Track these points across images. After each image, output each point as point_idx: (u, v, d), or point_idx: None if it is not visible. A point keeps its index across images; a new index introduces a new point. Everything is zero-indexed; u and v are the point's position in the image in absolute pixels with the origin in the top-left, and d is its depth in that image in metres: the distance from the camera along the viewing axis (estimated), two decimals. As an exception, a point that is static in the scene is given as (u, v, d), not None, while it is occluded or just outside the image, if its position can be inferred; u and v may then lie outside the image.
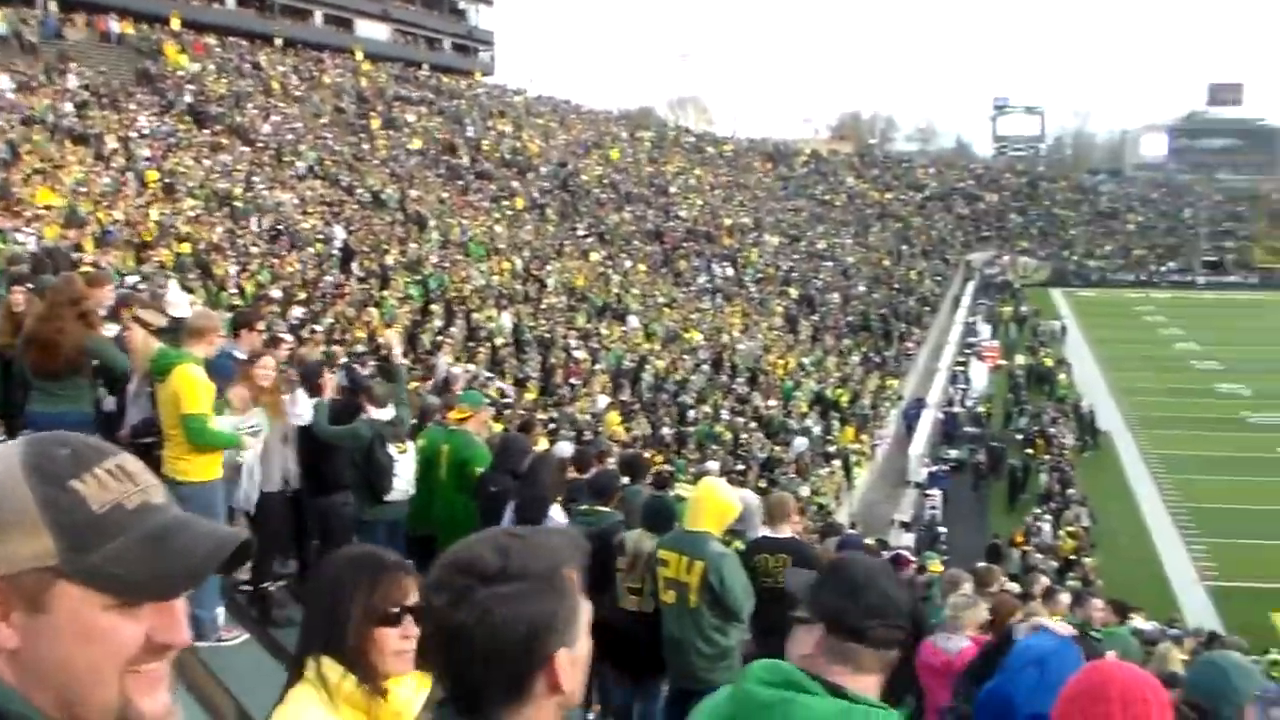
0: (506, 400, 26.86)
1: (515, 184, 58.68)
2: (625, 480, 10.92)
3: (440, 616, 1.90)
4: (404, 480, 10.22)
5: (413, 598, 3.00)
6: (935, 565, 18.95)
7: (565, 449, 14.79)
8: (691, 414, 34.44)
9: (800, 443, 35.40)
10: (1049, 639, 4.51)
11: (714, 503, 7.98)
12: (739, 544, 8.96)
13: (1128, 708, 3.01)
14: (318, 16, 70.50)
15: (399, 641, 3.01)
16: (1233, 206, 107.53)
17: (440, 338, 30.52)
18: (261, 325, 10.99)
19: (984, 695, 4.61)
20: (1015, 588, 20.43)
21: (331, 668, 3.01)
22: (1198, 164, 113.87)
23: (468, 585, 1.88)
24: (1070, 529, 33.45)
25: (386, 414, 10.28)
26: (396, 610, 3.02)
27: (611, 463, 12.71)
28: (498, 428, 16.29)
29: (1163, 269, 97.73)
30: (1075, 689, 3.06)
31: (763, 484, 27.98)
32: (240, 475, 8.92)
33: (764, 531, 9.29)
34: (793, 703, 2.63)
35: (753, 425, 36.00)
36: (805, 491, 30.15)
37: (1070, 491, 37.30)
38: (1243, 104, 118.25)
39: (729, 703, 2.79)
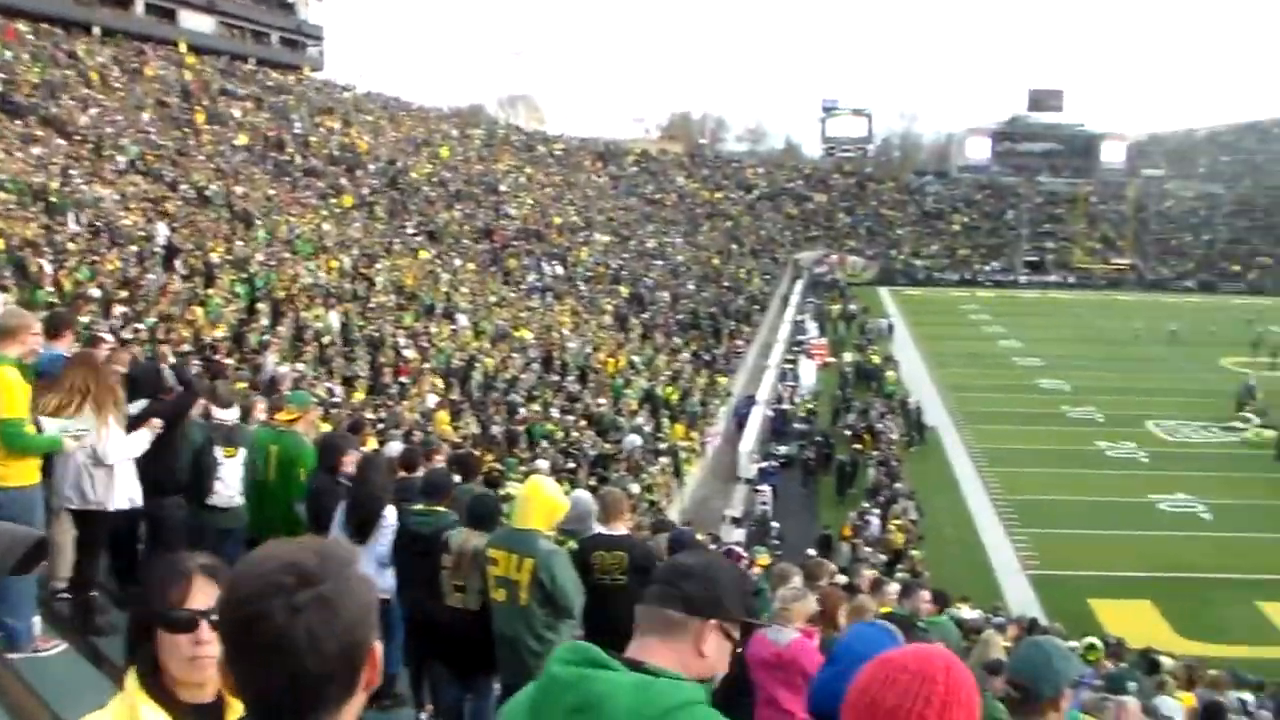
0: (335, 400, 26.31)
1: (344, 181, 57.83)
2: (457, 479, 10.72)
3: (263, 625, 1.83)
4: (229, 485, 9.86)
5: (208, 603, 2.85)
6: (764, 559, 19.00)
7: (394, 449, 14.45)
8: (522, 412, 34.11)
9: (631, 440, 35.29)
10: (875, 631, 4.44)
11: (542, 500, 7.83)
12: (573, 543, 8.77)
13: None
14: (139, 6, 68.31)
15: (191, 648, 2.86)
16: (1053, 208, 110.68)
17: (267, 337, 29.79)
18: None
19: (816, 688, 4.49)
20: (844, 580, 20.65)
21: (132, 677, 2.88)
22: (1020, 167, 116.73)
23: (292, 588, 1.84)
24: (898, 522, 33.82)
25: (231, 415, 10.06)
26: (186, 616, 2.87)
27: (441, 461, 12.41)
28: (326, 428, 15.86)
29: (986, 268, 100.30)
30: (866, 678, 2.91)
31: (594, 481, 27.82)
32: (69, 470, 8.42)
33: (598, 529, 9.17)
34: (592, 679, 2.64)
35: (583, 423, 35.81)
36: (636, 488, 30.03)
37: (898, 485, 37.76)
38: (1063, 109, 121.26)
39: (535, 687, 2.78)
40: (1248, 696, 16.20)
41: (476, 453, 19.10)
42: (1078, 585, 31.08)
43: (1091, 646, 20.30)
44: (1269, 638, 27.07)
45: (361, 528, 9.01)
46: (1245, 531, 35.72)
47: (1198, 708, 13.81)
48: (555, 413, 35.67)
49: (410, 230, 55.47)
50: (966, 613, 20.67)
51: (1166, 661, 18.50)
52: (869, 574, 19.84)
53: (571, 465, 30.34)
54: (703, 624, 2.86)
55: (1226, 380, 57.03)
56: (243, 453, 10.08)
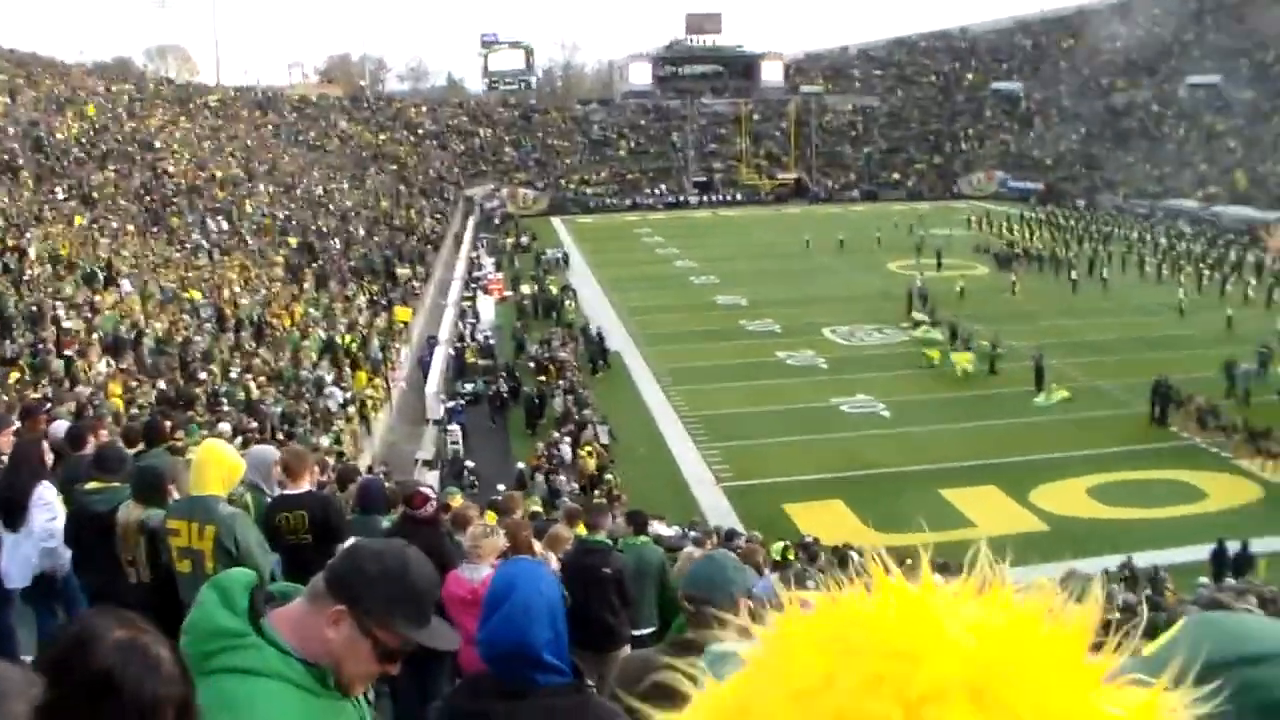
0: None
1: (-20, 147, 54.34)
2: (141, 448, 10.04)
3: None
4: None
5: None
6: (456, 499, 18.62)
7: (60, 428, 13.45)
8: (201, 375, 32.74)
9: (330, 392, 34.45)
10: (523, 565, 4.19)
11: (217, 464, 7.33)
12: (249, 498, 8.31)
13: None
14: None
15: None
16: (717, 129, 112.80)
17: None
18: None
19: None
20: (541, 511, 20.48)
21: None
22: (682, 90, 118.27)
23: None
24: (589, 448, 33.93)
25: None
26: None
27: (106, 435, 11.59)
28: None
29: (656, 192, 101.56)
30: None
31: (280, 439, 26.91)
32: None
33: (280, 490, 8.78)
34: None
35: (263, 380, 34.64)
36: (325, 442, 29.26)
37: (586, 412, 37.85)
38: (721, 32, 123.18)
39: None
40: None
41: (160, 420, 18.17)
42: (771, 492, 31.80)
43: (787, 547, 20.72)
44: (954, 522, 28.20)
45: (9, 515, 8.45)
46: (923, 425, 37.34)
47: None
48: (234, 372, 34.41)
49: (61, 195, 52.49)
50: (664, 530, 20.74)
51: (856, 556, 18.96)
52: (570, 505, 19.77)
53: (255, 424, 29.29)
54: (336, 607, 2.77)
55: (895, 284, 59.39)
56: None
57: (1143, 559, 26.85)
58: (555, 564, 9.93)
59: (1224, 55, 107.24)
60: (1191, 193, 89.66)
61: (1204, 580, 24.03)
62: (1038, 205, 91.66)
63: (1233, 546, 26.77)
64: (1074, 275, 60.28)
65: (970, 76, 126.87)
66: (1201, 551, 26.94)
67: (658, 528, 20.20)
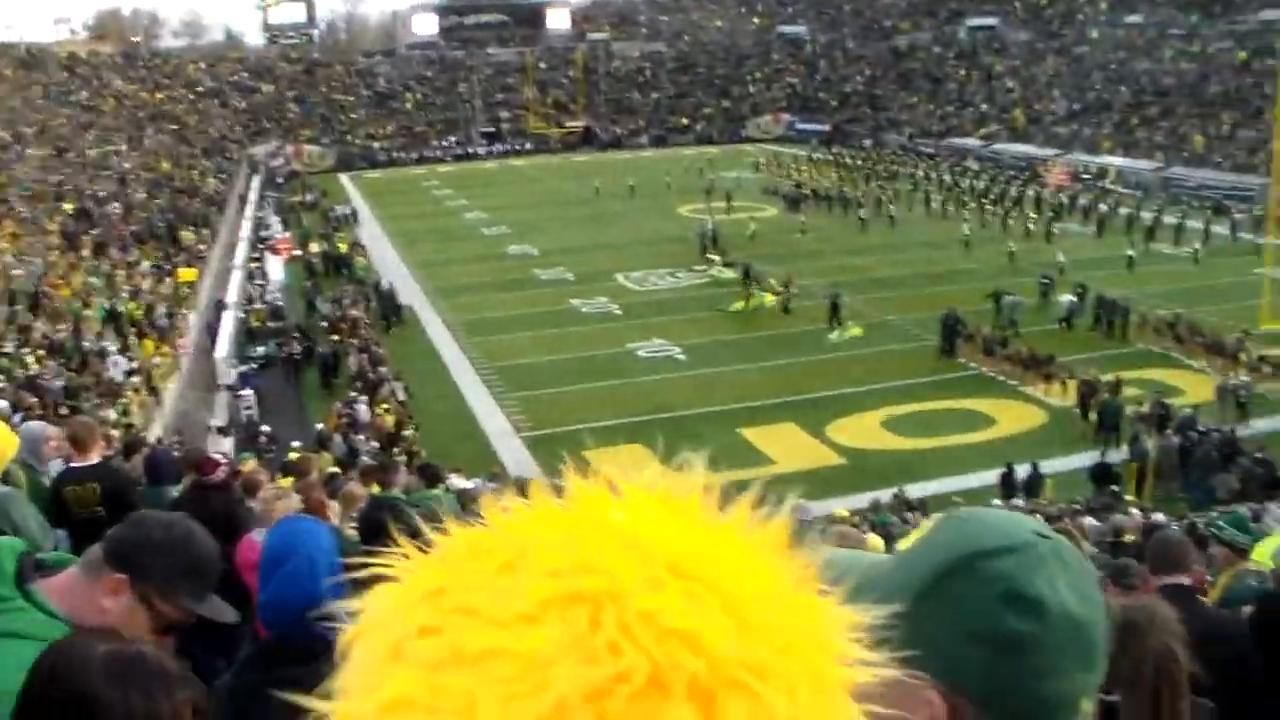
0: None
1: None
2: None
3: None
4: None
5: None
6: (248, 464, 18.30)
7: None
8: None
9: (114, 362, 33.44)
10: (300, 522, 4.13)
11: (-14, 442, 6.98)
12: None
13: None
14: None
15: None
16: (504, 79, 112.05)
17: None
18: None
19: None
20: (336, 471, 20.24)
21: None
22: (468, 40, 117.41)
23: None
24: (386, 405, 33.63)
25: None
26: None
27: None
28: None
29: (444, 144, 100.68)
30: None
31: (65, 412, 26.07)
32: None
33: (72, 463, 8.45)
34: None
35: (42, 353, 33.47)
36: (114, 414, 28.42)
37: (382, 369, 37.45)
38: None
39: None
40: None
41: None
42: (570, 439, 31.70)
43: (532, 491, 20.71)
44: (754, 460, 28.63)
45: None
46: (719, 367, 37.89)
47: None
48: (10, 346, 33.19)
49: None
50: (463, 482, 20.69)
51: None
52: (365, 462, 19.60)
53: (35, 399, 28.32)
54: (115, 576, 2.76)
55: (686, 227, 59.95)
56: None
57: (937, 486, 27.95)
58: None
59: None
60: (973, 131, 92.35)
61: (996, 503, 24.98)
62: (821, 146, 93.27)
63: (1023, 469, 27.89)
64: (862, 214, 61.65)
65: (756, 21, 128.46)
66: (992, 476, 28.04)
67: (456, 481, 20.16)
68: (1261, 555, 7.72)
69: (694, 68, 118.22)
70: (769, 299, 43.45)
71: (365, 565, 0.90)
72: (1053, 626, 1.31)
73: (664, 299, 47.12)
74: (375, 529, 9.88)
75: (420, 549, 0.89)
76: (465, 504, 13.97)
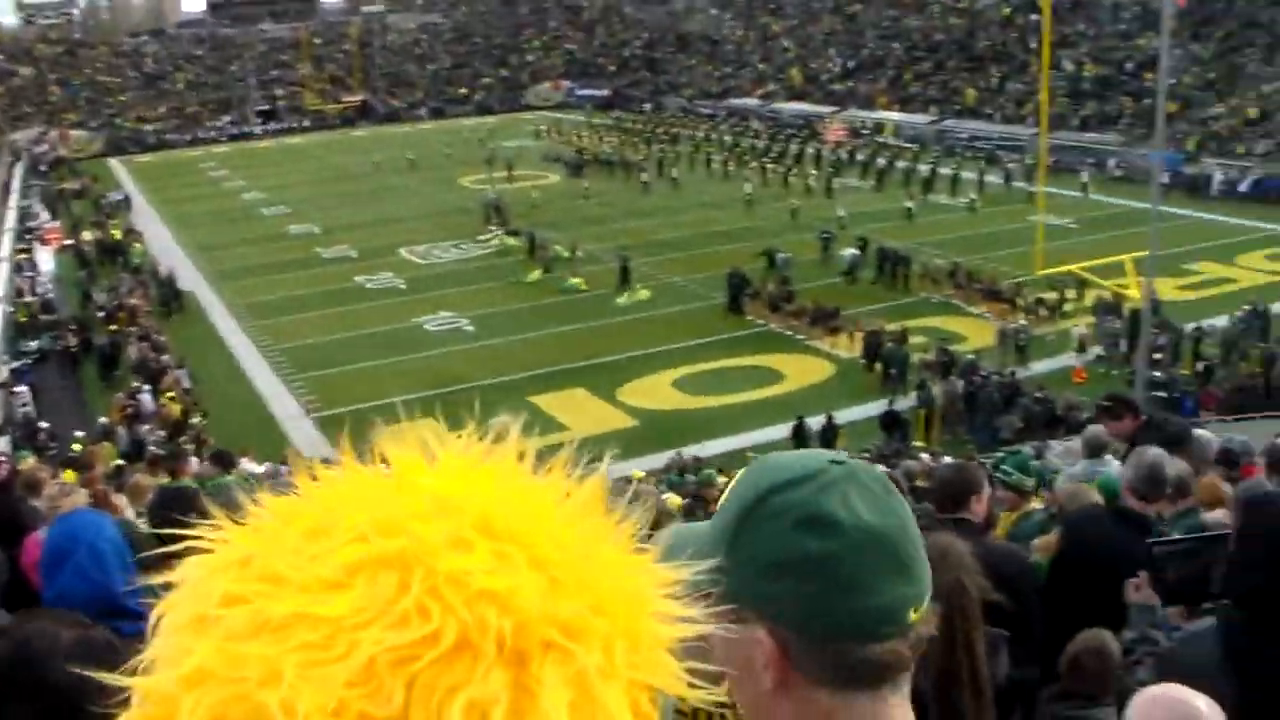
0: None
1: None
2: None
3: None
4: None
5: None
6: (28, 462, 17.71)
7: None
8: None
9: None
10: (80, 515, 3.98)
11: None
12: None
13: None
14: None
15: None
16: (278, 55, 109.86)
17: None
18: None
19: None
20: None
21: None
22: (238, 17, 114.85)
23: None
24: (171, 394, 32.80)
25: None
26: None
27: None
28: None
29: (219, 124, 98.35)
30: None
31: None
32: None
33: None
34: None
35: None
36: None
37: (165, 358, 36.52)
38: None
39: None
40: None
41: None
42: (363, 418, 31.10)
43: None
44: (547, 427, 28.54)
45: None
46: (508, 336, 37.91)
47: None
48: None
49: None
50: (256, 468, 20.31)
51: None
52: (153, 452, 19.12)
53: None
54: None
55: (468, 198, 59.62)
56: None
57: (731, 443, 28.42)
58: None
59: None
60: (751, 91, 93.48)
61: (791, 453, 25.35)
62: (597, 111, 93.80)
63: (817, 421, 28.46)
64: (644, 177, 62.04)
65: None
66: (784, 430, 28.55)
67: (249, 466, 19.77)
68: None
69: (470, 37, 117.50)
70: (581, 283, 42.99)
71: (178, 539, 0.89)
72: (851, 542, 1.33)
73: (450, 271, 46.83)
74: (166, 518, 9.62)
75: (233, 521, 0.88)
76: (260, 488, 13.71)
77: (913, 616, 1.35)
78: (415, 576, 0.77)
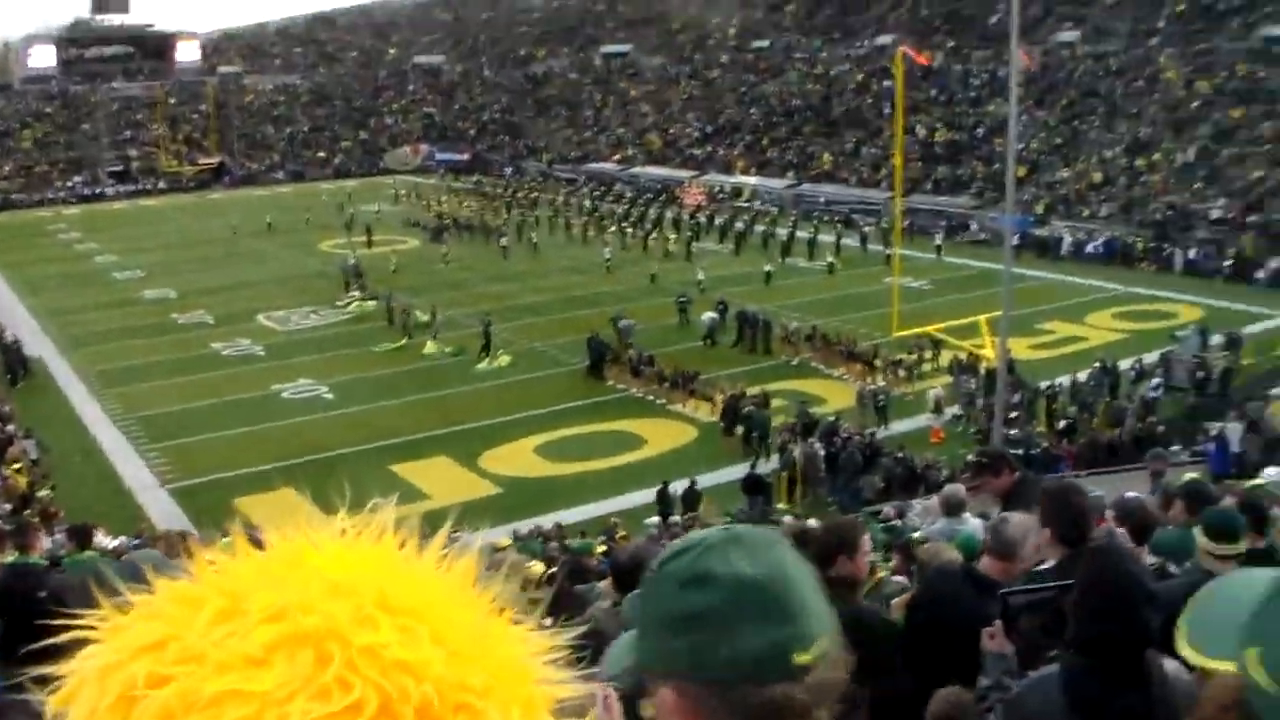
0: None
1: None
2: None
3: None
4: None
5: None
6: None
7: None
8: None
9: None
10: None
11: None
12: None
13: None
14: None
15: None
16: (131, 114, 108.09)
17: None
18: None
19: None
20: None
21: None
22: (91, 74, 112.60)
23: None
24: (17, 465, 31.77)
25: None
26: None
27: None
28: None
29: (69, 184, 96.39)
30: None
31: None
32: None
33: None
34: None
35: None
36: None
37: (10, 427, 35.40)
38: (130, 11, 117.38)
39: None
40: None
41: None
42: (220, 487, 30.80)
43: (228, 545, 20.00)
44: (408, 496, 27.69)
45: None
46: (366, 403, 37.54)
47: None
48: None
49: None
50: (109, 541, 19.69)
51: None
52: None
53: None
54: None
55: (328, 263, 59.26)
56: None
57: (594, 509, 28.44)
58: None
59: (634, 25, 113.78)
60: (609, 156, 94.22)
61: (652, 520, 25.53)
62: (455, 177, 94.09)
63: (680, 485, 28.46)
64: (504, 242, 62.04)
65: (392, 51, 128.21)
66: (647, 495, 28.55)
67: (101, 540, 19.16)
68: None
69: (329, 99, 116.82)
70: (504, 361, 42.26)
71: (65, 629, 0.91)
72: (727, 594, 1.43)
73: (308, 338, 46.28)
74: (15, 600, 9.22)
75: (117, 609, 0.91)
76: (126, 566, 13.25)
77: (800, 659, 1.41)
78: (331, 651, 0.83)
